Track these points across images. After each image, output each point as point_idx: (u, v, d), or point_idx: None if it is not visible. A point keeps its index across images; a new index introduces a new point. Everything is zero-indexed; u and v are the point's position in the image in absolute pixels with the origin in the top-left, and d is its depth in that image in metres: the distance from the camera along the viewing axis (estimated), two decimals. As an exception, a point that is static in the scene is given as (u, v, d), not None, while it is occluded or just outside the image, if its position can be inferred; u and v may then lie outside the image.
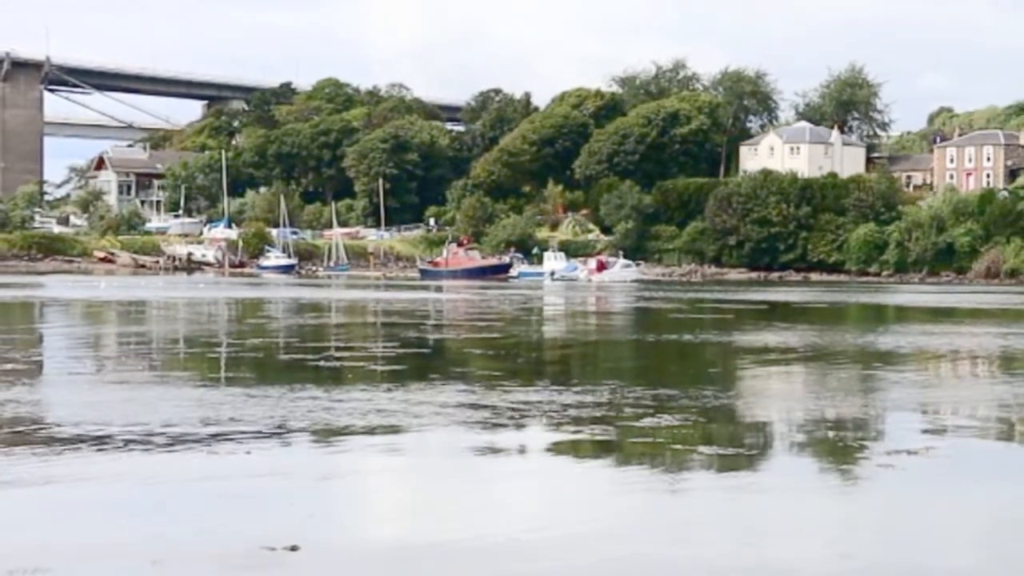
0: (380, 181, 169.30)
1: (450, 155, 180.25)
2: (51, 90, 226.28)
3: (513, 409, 21.72)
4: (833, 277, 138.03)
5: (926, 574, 11.96)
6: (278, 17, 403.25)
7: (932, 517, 14.37)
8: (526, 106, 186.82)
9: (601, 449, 18.23)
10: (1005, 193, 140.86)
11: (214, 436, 18.54)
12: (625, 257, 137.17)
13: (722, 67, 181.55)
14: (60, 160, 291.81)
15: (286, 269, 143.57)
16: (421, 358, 33.84)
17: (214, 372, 29.46)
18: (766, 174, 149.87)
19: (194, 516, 13.71)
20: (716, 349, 37.75)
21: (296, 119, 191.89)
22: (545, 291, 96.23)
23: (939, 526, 14.01)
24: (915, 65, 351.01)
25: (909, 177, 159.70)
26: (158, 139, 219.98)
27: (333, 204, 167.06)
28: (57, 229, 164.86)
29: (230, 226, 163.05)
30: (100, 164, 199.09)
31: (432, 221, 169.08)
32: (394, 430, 19.40)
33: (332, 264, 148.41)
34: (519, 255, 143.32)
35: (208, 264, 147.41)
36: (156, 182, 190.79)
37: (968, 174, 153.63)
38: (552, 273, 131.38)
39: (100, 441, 17.95)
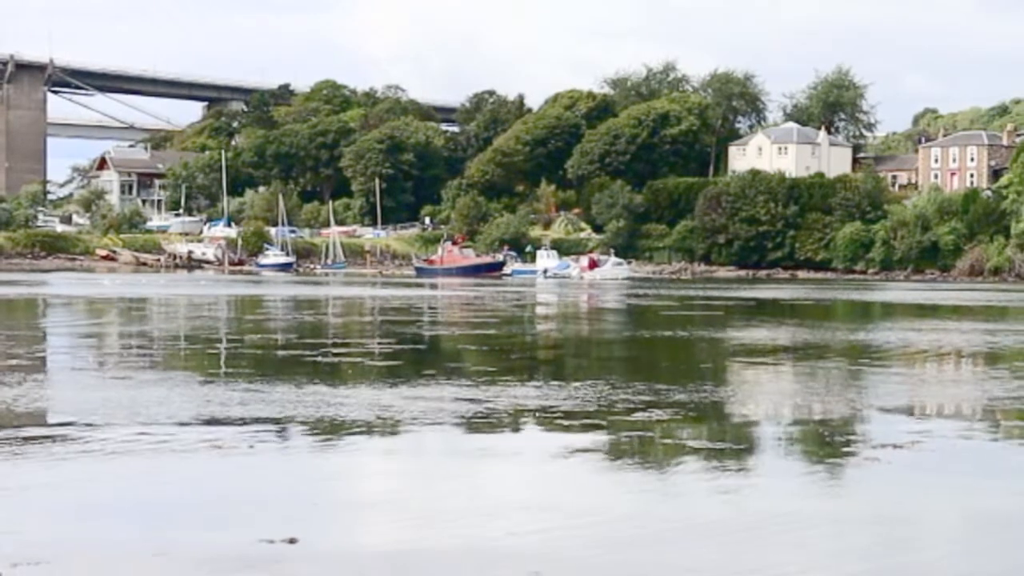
0: (377, 181, 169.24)
1: (445, 155, 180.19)
2: (54, 92, 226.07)
3: (507, 404, 21.70)
4: (820, 275, 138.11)
5: (910, 566, 11.95)
6: (277, 20, 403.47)
7: (915, 510, 14.36)
8: (519, 107, 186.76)
9: (594, 444, 18.21)
10: (988, 193, 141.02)
11: (216, 430, 18.52)
12: (616, 255, 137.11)
13: (711, 69, 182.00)
14: (63, 160, 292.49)
15: (284, 267, 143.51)
16: (417, 354, 33.81)
17: (216, 368, 29.42)
18: (754, 174, 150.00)
19: (195, 509, 13.70)
20: (706, 345, 37.75)
21: (294, 120, 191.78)
22: (538, 288, 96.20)
23: (922, 518, 14.00)
24: (900, 67, 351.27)
25: (895, 177, 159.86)
26: (159, 139, 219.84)
27: (330, 203, 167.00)
28: (60, 228, 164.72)
29: (230, 225, 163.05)
30: (102, 164, 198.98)
31: (427, 220, 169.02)
32: (391, 425, 19.38)
33: (329, 262, 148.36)
34: (512, 253, 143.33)
35: (208, 262, 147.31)
36: (157, 182, 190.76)
37: (952, 174, 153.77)
38: (545, 271, 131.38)
39: (103, 435, 17.92)
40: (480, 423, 19.73)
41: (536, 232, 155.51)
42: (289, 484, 15.09)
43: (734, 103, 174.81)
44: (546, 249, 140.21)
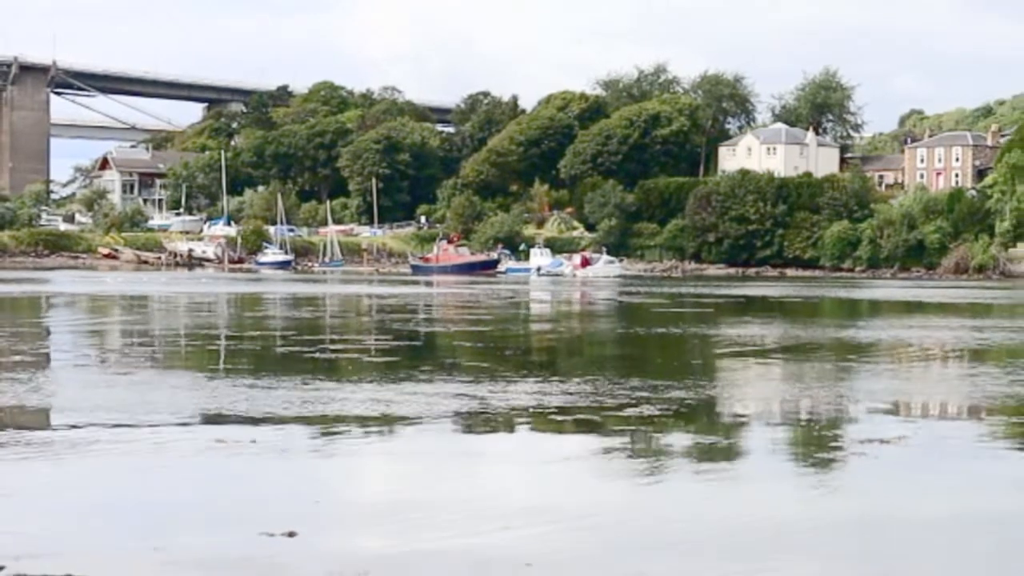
0: (373, 180, 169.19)
1: (440, 155, 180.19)
2: (57, 93, 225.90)
3: (502, 400, 21.68)
4: (808, 272, 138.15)
5: (895, 559, 11.94)
6: (276, 23, 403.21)
7: (900, 504, 14.34)
8: (513, 108, 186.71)
9: (586, 439, 18.20)
10: (973, 192, 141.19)
11: (217, 426, 18.50)
12: (608, 253, 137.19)
13: (701, 71, 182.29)
14: (66, 160, 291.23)
15: (283, 265, 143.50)
16: (414, 350, 33.76)
17: (216, 365, 29.39)
18: (744, 174, 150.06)
19: (195, 505, 13.67)
20: (696, 341, 37.73)
21: (293, 121, 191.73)
22: (531, 286, 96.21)
23: (906, 513, 13.98)
24: (887, 69, 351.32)
25: (881, 176, 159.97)
26: (160, 140, 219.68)
27: (328, 202, 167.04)
28: (63, 227, 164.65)
29: (229, 223, 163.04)
30: (104, 164, 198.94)
31: (423, 219, 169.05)
32: (389, 420, 19.34)
33: (327, 260, 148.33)
34: (506, 251, 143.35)
35: (208, 260, 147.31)
36: (158, 181, 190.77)
37: (938, 174, 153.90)
38: (538, 269, 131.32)
39: (107, 429, 17.89)
40: (475, 419, 19.72)
41: (530, 231, 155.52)
42: (288, 482, 15.07)
43: (724, 104, 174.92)
44: (539, 247, 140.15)
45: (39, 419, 19.50)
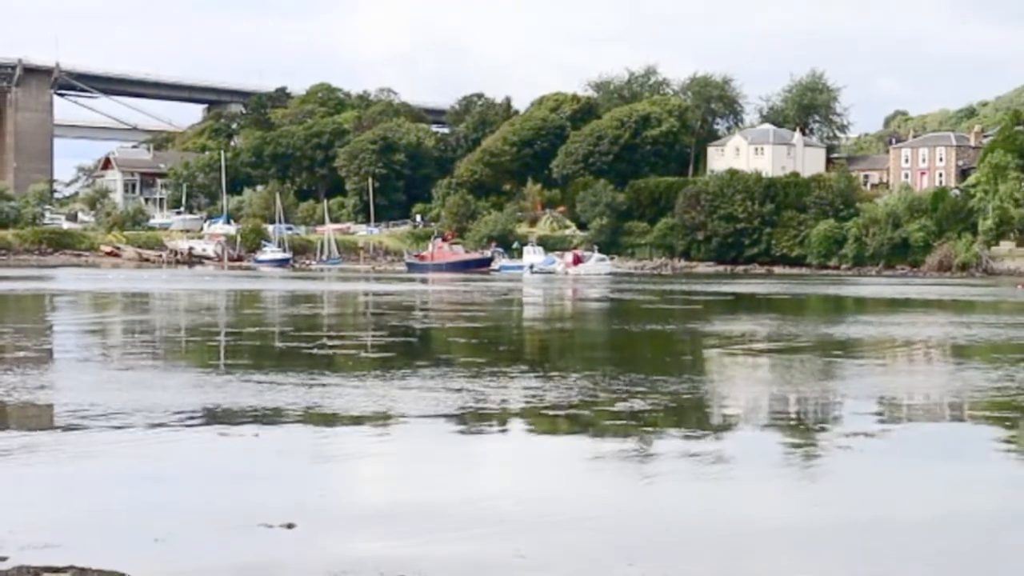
0: (370, 180, 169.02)
1: (435, 155, 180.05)
2: (60, 94, 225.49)
3: (496, 394, 21.68)
4: (795, 270, 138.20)
5: (880, 554, 11.96)
6: (274, 26, 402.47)
7: (882, 494, 14.35)
8: (507, 109, 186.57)
9: (578, 434, 18.20)
10: (956, 191, 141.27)
11: (220, 419, 18.50)
12: (600, 251, 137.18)
13: (691, 73, 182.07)
14: (69, 160, 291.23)
15: (281, 263, 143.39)
16: (409, 346, 33.76)
17: (218, 360, 29.36)
18: (732, 173, 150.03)
19: (198, 496, 13.67)
20: (686, 337, 37.74)
21: (291, 122, 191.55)
22: (525, 283, 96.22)
23: (888, 501, 13.99)
24: (872, 71, 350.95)
25: (867, 176, 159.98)
26: (161, 140, 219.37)
27: (325, 201, 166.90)
28: (66, 225, 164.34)
29: (229, 222, 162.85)
30: (106, 164, 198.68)
31: (418, 217, 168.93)
32: (386, 414, 19.34)
33: (324, 258, 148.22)
34: (500, 249, 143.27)
35: (208, 258, 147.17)
36: (159, 181, 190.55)
37: (922, 173, 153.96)
38: (531, 266, 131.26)
39: (112, 423, 17.88)
40: (470, 414, 19.71)
41: (523, 229, 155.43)
42: (291, 469, 15.06)
43: (713, 105, 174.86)
44: (532, 245, 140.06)
45: (44, 412, 19.47)
